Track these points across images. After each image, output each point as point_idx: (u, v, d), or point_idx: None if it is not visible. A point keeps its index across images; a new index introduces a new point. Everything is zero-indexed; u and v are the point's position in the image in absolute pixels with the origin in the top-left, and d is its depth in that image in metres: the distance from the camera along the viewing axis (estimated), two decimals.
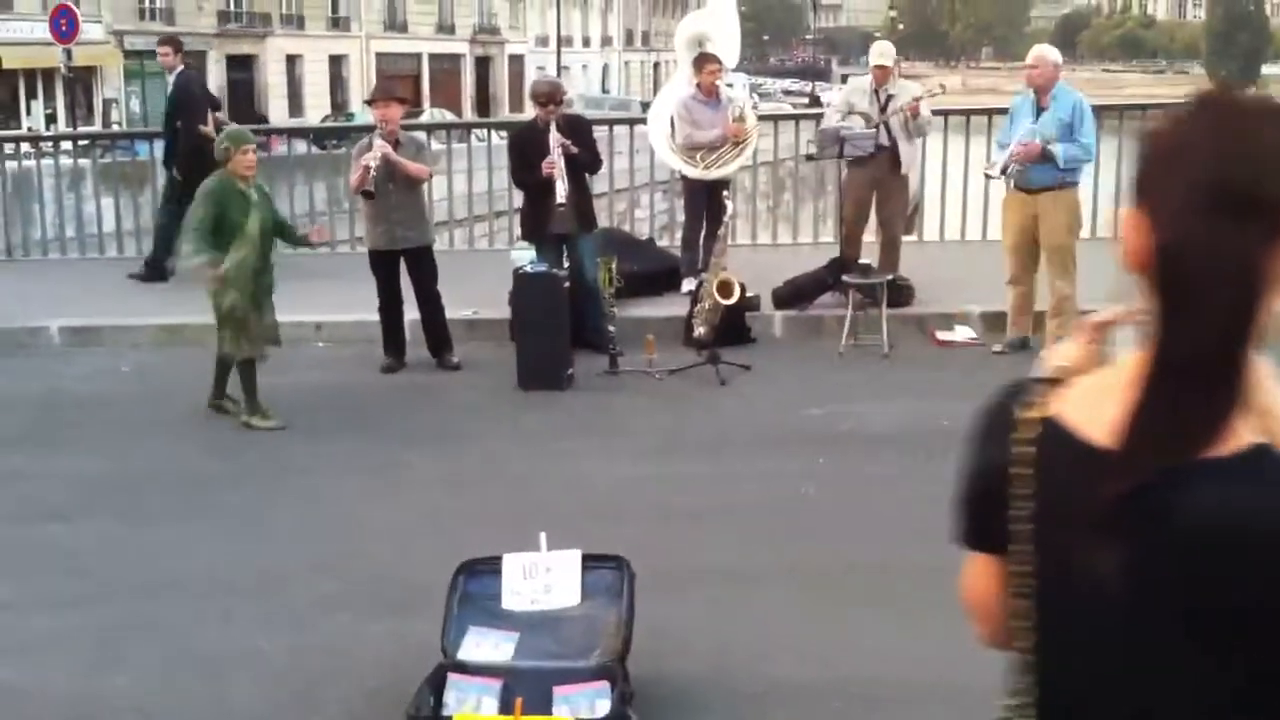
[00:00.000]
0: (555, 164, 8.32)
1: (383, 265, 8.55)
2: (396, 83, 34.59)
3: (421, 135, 9.76)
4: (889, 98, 9.45)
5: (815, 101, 60.02)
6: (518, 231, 14.26)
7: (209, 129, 10.84)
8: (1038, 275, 8.58)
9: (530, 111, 9.05)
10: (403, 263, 8.55)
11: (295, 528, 5.86)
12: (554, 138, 8.37)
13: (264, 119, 39.53)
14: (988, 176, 8.80)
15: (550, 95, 8.60)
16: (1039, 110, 8.30)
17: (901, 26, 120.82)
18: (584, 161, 8.63)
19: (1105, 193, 11.73)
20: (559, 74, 45.67)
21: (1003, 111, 9.34)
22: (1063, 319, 8.45)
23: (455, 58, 55.03)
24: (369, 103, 9.18)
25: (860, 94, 9.63)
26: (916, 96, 9.52)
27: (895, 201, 9.74)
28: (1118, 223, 1.46)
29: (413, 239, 8.51)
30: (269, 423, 7.36)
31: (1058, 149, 8.16)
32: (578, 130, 8.69)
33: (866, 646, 4.53)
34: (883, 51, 9.70)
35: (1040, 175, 8.32)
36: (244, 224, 7.24)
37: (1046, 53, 8.43)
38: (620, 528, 5.57)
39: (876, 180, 9.55)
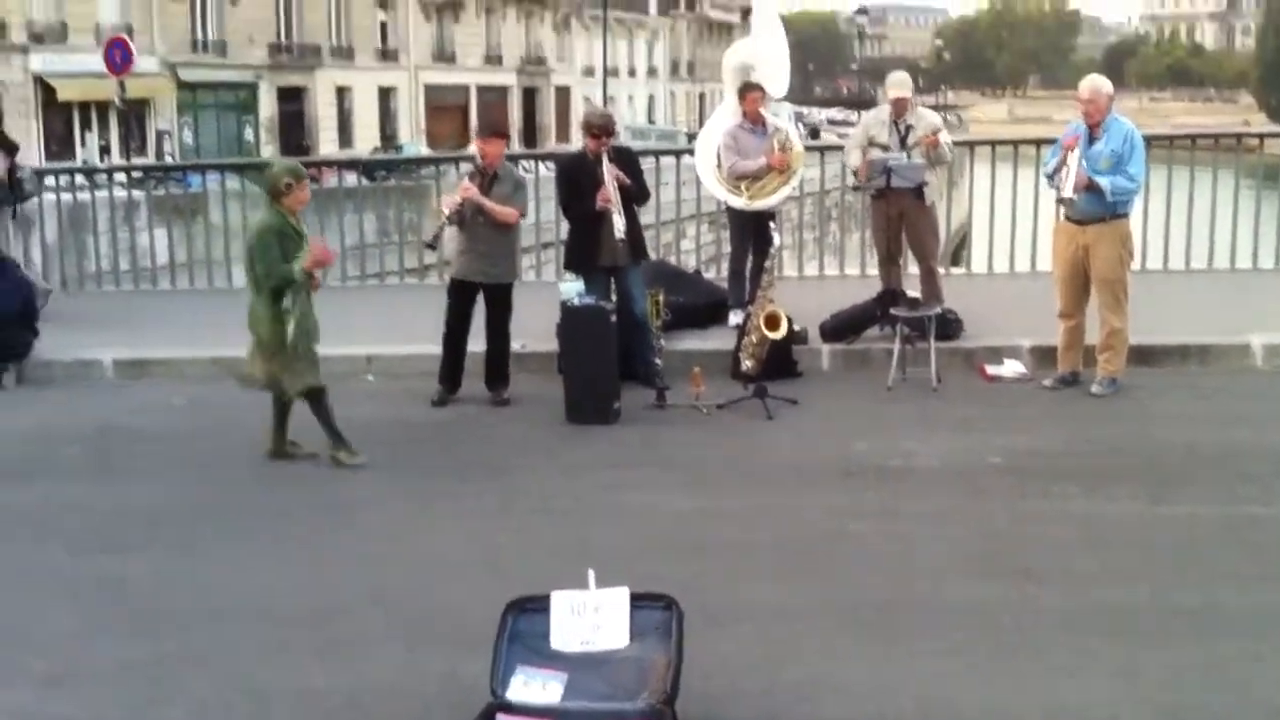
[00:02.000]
0: (611, 197, 8.36)
1: (458, 294, 8.62)
2: (502, 118, 34.71)
3: (520, 172, 9.70)
4: (908, 128, 9.43)
5: None
6: (564, 262, 14.42)
7: None
8: (1089, 308, 8.52)
9: (577, 141, 9.09)
10: (480, 295, 8.60)
11: (346, 561, 5.89)
12: (608, 170, 8.41)
13: (306, 150, 40.08)
14: (1059, 199, 8.50)
15: (604, 127, 8.64)
16: (1091, 140, 8.25)
17: (947, 56, 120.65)
18: (633, 193, 8.67)
19: (1156, 224, 11.68)
20: (605, 104, 45.92)
21: (1051, 141, 9.28)
22: (1114, 353, 8.40)
23: (502, 89, 55.48)
24: (475, 137, 9.22)
25: (880, 125, 9.61)
26: (935, 128, 9.49)
27: (923, 232, 9.70)
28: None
29: (495, 275, 8.57)
30: (357, 459, 7.32)
31: (1105, 181, 8.11)
32: (626, 162, 8.73)
33: (915, 685, 4.50)
34: (900, 82, 9.63)
35: (1090, 207, 8.27)
36: (299, 257, 7.18)
37: (1101, 85, 8.35)
38: (668, 563, 5.58)
39: (901, 212, 9.53)
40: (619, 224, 8.35)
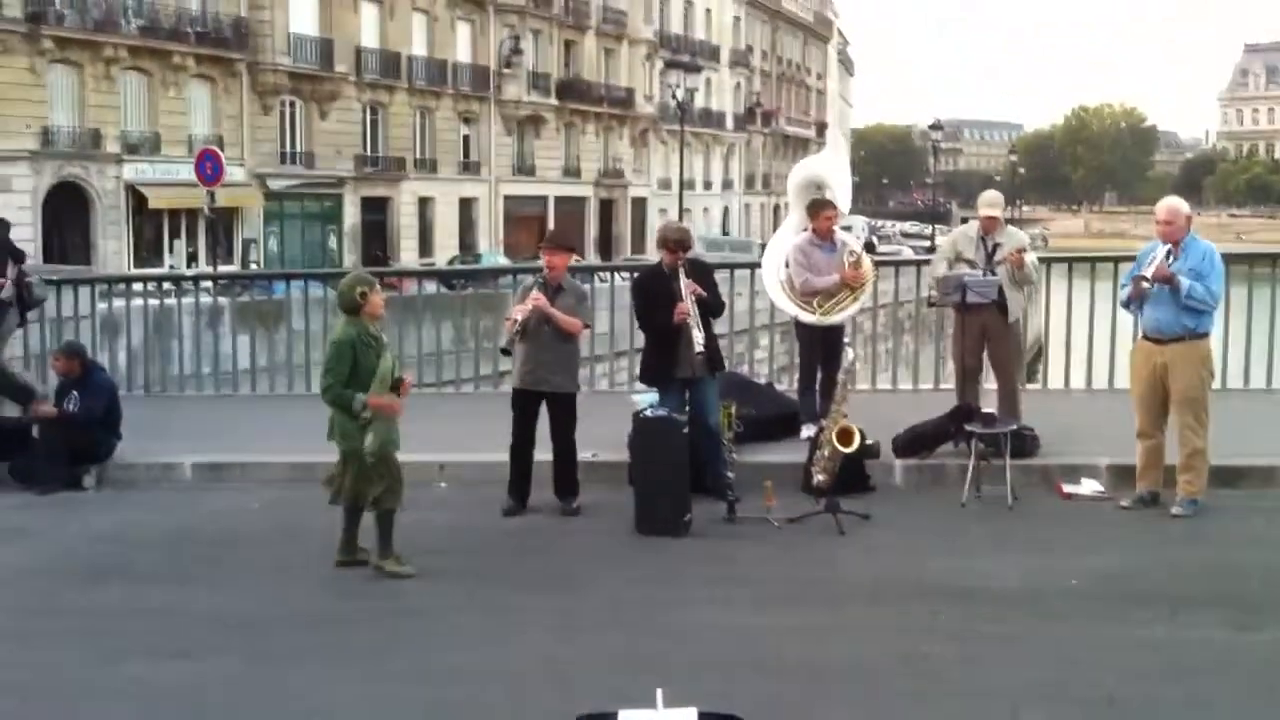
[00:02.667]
0: (689, 310, 8.42)
1: (522, 405, 8.69)
2: (568, 231, 35.36)
3: (584, 286, 9.86)
4: (995, 246, 9.42)
5: (933, 249, 60.26)
6: (636, 372, 14.49)
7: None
8: (1169, 427, 8.39)
9: (652, 251, 9.20)
10: (543, 404, 8.67)
11: (412, 671, 5.87)
12: (685, 284, 8.49)
13: (384, 260, 40.84)
14: (1141, 283, 8.36)
15: (680, 241, 8.73)
16: (1169, 259, 8.19)
17: (1022, 170, 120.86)
18: (710, 305, 8.72)
19: (1236, 343, 11.52)
20: (680, 216, 46.46)
21: (1129, 259, 9.23)
22: (1195, 473, 8.25)
23: (580, 200, 56.37)
24: (540, 248, 9.38)
25: (967, 241, 9.61)
26: (1021, 246, 9.46)
27: (1005, 350, 9.63)
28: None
29: (557, 384, 8.64)
30: (404, 568, 7.33)
31: (1185, 281, 8.05)
32: (702, 275, 8.80)
33: None
34: (993, 202, 9.68)
35: (1170, 324, 8.19)
36: (379, 365, 7.29)
37: (1179, 206, 8.34)
38: (737, 682, 5.51)
39: (984, 328, 9.48)
40: (698, 337, 8.41)
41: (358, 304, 7.34)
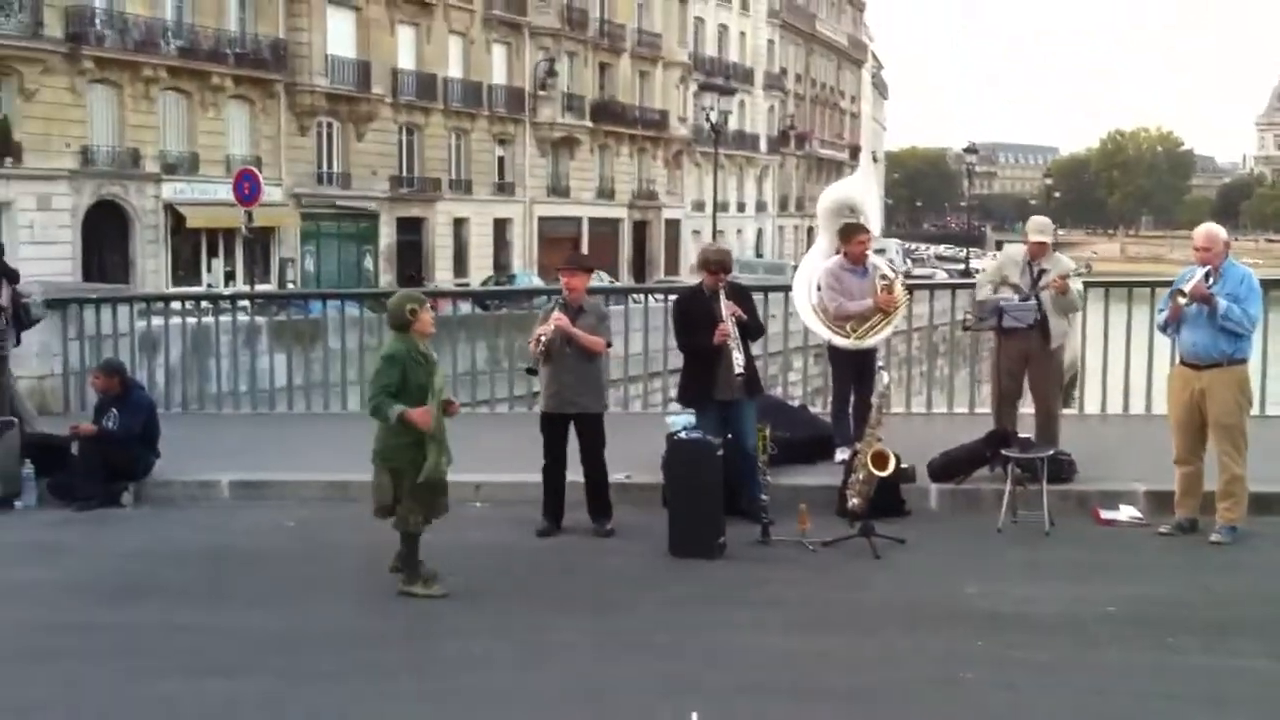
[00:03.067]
0: (730, 332, 8.43)
1: (551, 427, 8.71)
2: (587, 254, 35.53)
3: (604, 306, 9.92)
4: (1042, 271, 9.37)
5: (967, 272, 60.00)
6: (672, 393, 14.49)
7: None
8: (1206, 453, 8.33)
9: (685, 273, 9.21)
10: (572, 426, 8.69)
11: (445, 693, 5.88)
12: (725, 306, 8.49)
13: (419, 280, 41.07)
14: (1179, 299, 8.32)
15: (721, 263, 8.74)
16: (1209, 280, 8.15)
17: (1058, 194, 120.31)
18: (750, 328, 8.72)
19: (1275, 368, 11.42)
20: (714, 237, 46.48)
21: (1166, 284, 9.20)
22: (1234, 500, 8.18)
23: (614, 221, 56.51)
24: (558, 271, 9.42)
25: (1014, 265, 9.56)
26: (1064, 274, 9.39)
27: (1046, 375, 9.57)
28: None
29: (583, 405, 8.65)
30: (433, 590, 7.33)
31: (1222, 302, 8.01)
32: (741, 297, 8.80)
33: None
34: (1042, 228, 9.62)
35: (1207, 349, 8.14)
36: (430, 383, 7.34)
37: (1217, 233, 8.31)
38: (771, 706, 5.49)
39: (1027, 353, 9.42)
40: (738, 359, 8.41)
41: (407, 320, 7.41)
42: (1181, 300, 8.14)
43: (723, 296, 8.54)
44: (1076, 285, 9.53)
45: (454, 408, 7.58)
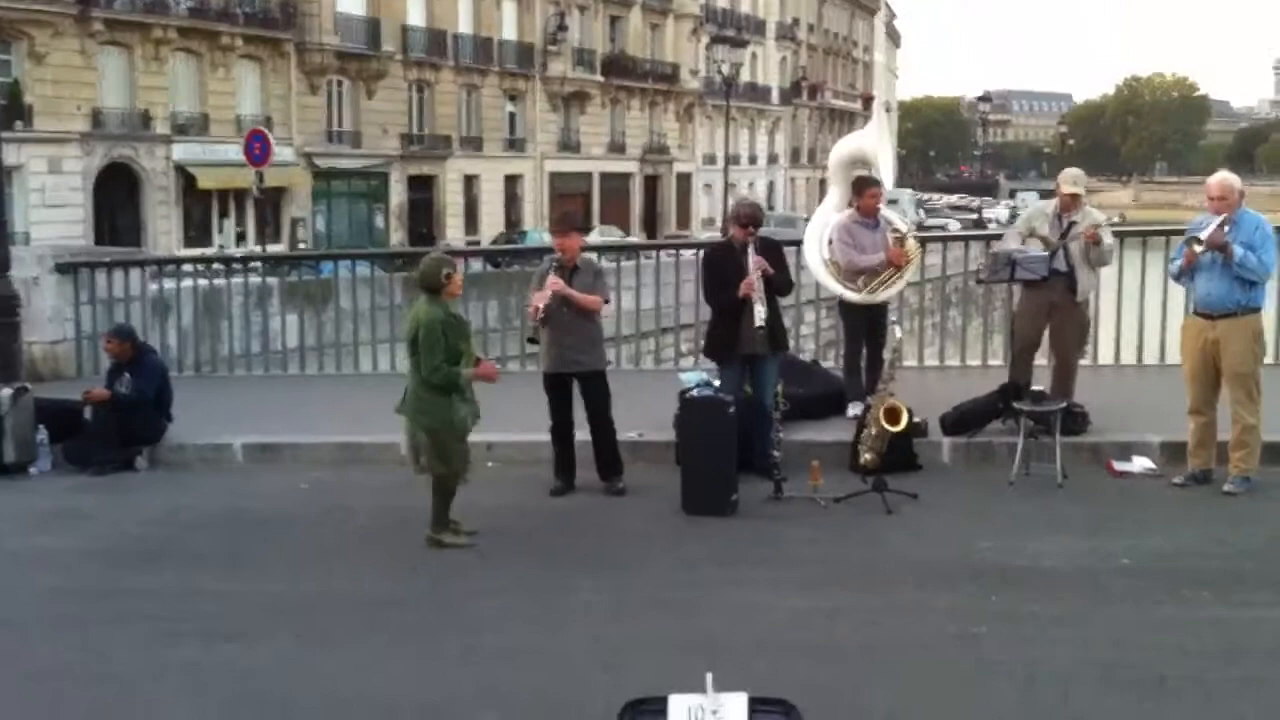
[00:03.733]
0: (755, 285, 8.40)
1: (555, 388, 8.71)
2: (577, 212, 35.57)
3: (599, 261, 9.92)
4: (1071, 224, 9.29)
5: (980, 223, 59.68)
6: (684, 349, 14.49)
7: None
8: (1220, 403, 8.29)
9: (697, 228, 9.17)
10: (576, 385, 8.68)
11: (460, 654, 5.91)
12: (753, 259, 8.46)
13: (431, 238, 41.11)
14: (1195, 246, 8.17)
15: (751, 217, 8.69)
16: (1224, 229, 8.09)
17: (1071, 142, 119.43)
18: (779, 283, 8.69)
19: None
20: (726, 191, 46.31)
21: (1180, 232, 9.14)
22: (1247, 451, 8.15)
23: (625, 176, 56.31)
24: (550, 231, 9.39)
25: (1043, 218, 9.47)
26: (1097, 224, 9.32)
27: (1069, 328, 9.51)
28: None
29: (585, 363, 8.64)
30: (460, 539, 7.50)
31: (1238, 249, 7.95)
32: (772, 252, 8.76)
33: None
34: (1074, 179, 9.46)
35: (1221, 298, 8.09)
36: (465, 344, 7.49)
37: (1232, 181, 8.23)
38: (785, 664, 5.50)
39: (1052, 305, 9.35)
40: (759, 312, 8.38)
41: (441, 284, 7.49)
42: (1197, 248, 8.09)
43: (751, 251, 8.50)
44: (1108, 237, 9.44)
45: (489, 369, 7.70)
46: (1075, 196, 9.34)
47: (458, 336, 7.46)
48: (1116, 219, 10.55)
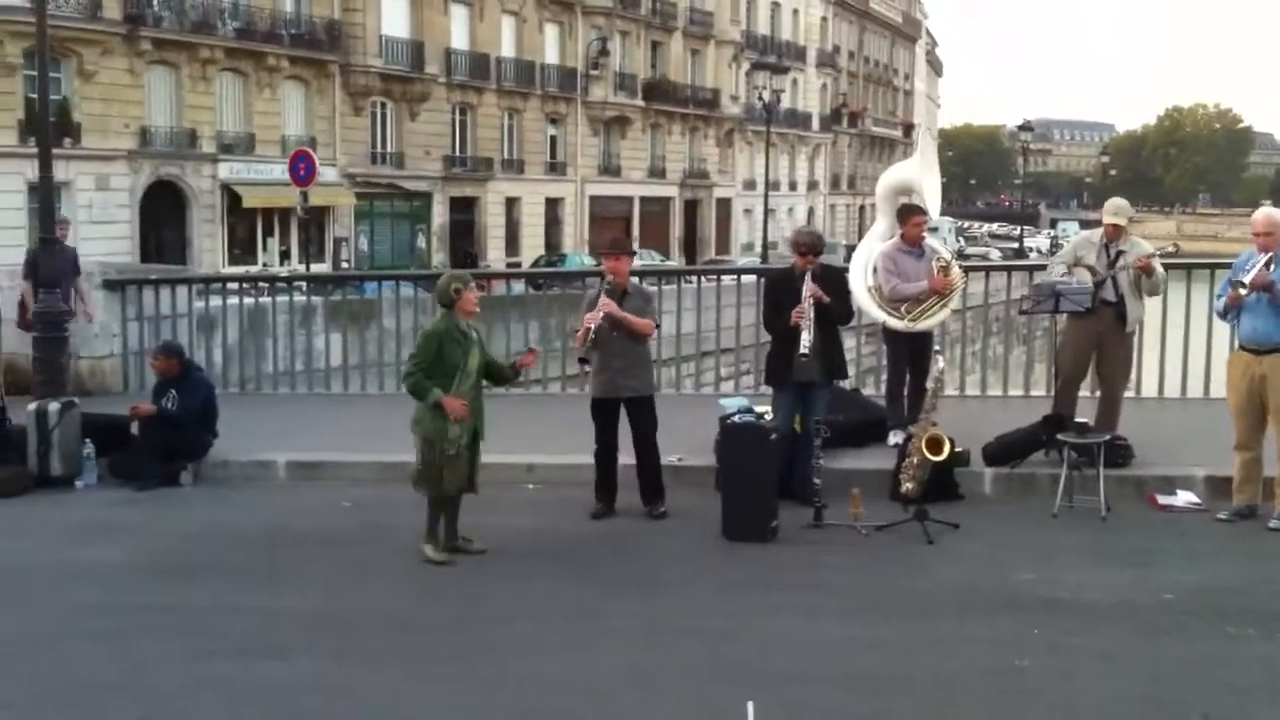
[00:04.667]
0: (805, 313, 8.41)
1: (602, 412, 8.73)
2: (626, 238, 35.64)
3: (649, 288, 9.95)
4: (1119, 253, 9.24)
5: (1021, 251, 59.34)
6: (724, 373, 14.48)
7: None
8: (1267, 439, 8.21)
9: (737, 253, 9.19)
10: (623, 409, 8.71)
11: (494, 676, 5.90)
12: (808, 287, 8.47)
13: (474, 259, 41.32)
14: (1239, 289, 8.17)
15: (812, 246, 8.72)
16: (1270, 267, 8.03)
17: (1113, 172, 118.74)
18: (836, 313, 8.70)
19: None
20: (765, 217, 46.31)
21: (1225, 265, 9.07)
22: None
23: (665, 200, 56.42)
24: (601, 255, 9.44)
25: (1089, 247, 9.43)
26: (1149, 254, 9.26)
27: (1117, 359, 9.45)
28: None
29: (633, 388, 8.66)
30: (439, 556, 7.64)
31: None
32: (832, 280, 8.78)
33: None
34: (1118, 210, 9.42)
35: (1268, 334, 8.03)
36: (465, 362, 7.57)
37: (1279, 218, 8.18)
38: (823, 694, 5.48)
39: (1099, 335, 9.30)
40: (805, 340, 8.37)
41: (452, 299, 7.67)
42: (1242, 291, 8.04)
43: (808, 279, 8.52)
44: (1160, 268, 9.38)
45: (530, 358, 8.15)
46: (1119, 227, 9.30)
47: (460, 352, 7.57)
48: (1171, 249, 10.46)
